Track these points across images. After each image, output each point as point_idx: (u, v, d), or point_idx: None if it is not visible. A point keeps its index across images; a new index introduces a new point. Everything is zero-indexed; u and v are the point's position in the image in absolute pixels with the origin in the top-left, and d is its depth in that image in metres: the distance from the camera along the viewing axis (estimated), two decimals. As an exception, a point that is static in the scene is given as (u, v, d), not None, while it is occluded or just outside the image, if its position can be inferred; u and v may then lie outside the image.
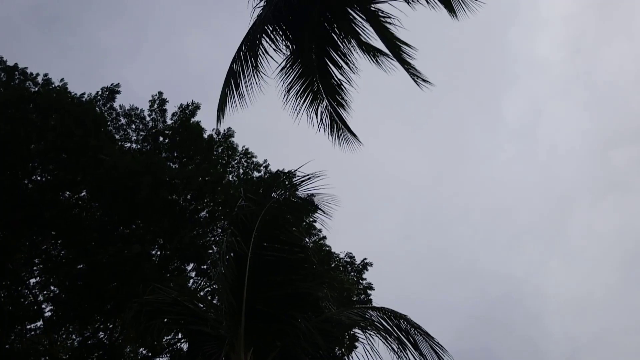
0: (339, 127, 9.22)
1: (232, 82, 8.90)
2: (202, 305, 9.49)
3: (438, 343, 7.75)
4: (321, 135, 9.17)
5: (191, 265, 16.79)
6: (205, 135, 18.06)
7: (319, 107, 9.10)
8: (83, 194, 16.34)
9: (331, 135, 9.22)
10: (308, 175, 8.32)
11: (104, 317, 15.60)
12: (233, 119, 8.77)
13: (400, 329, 8.00)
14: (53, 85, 16.41)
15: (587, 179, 46.57)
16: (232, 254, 8.13)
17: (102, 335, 16.25)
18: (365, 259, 17.99)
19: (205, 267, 16.11)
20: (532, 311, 38.32)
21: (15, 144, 14.37)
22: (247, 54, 8.70)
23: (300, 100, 9.02)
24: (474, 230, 42.78)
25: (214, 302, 12.59)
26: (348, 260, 17.87)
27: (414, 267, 38.69)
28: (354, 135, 9.26)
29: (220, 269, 8.44)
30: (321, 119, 9.16)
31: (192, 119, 17.93)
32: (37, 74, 16.56)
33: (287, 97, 8.99)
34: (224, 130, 18.86)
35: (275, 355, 7.86)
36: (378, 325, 8.14)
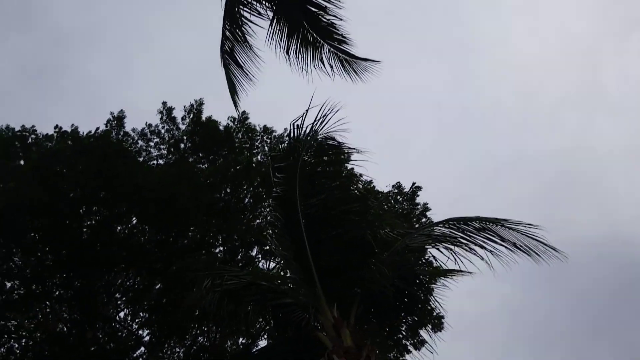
0: (349, 62, 8.99)
1: (231, 63, 8.86)
2: (278, 282, 9.76)
3: (527, 224, 7.63)
4: (337, 84, 8.94)
5: (255, 249, 17.26)
6: (222, 127, 18.21)
7: (323, 55, 8.89)
8: (134, 221, 16.91)
9: (347, 74, 8.99)
10: (327, 114, 8.21)
11: (196, 322, 16.34)
12: (245, 100, 8.77)
13: (474, 231, 7.98)
14: (65, 132, 16.75)
15: (605, 25, 43.98)
16: (282, 223, 8.26)
17: (201, 340, 17.12)
18: (414, 183, 17.93)
19: (267, 247, 16.48)
20: (593, 175, 37.65)
21: (59, 197, 14.88)
22: (233, 29, 8.58)
23: (302, 57, 8.85)
24: (510, 119, 41.58)
25: (286, 275, 12.88)
26: (396, 191, 17.86)
27: (464, 176, 38.13)
28: (368, 59, 8.99)
29: (275, 243, 8.60)
30: (330, 65, 8.95)
31: (202, 116, 18.08)
32: (47, 134, 16.95)
33: (289, 60, 8.85)
34: (239, 115, 18.93)
35: (358, 302, 8.06)
36: (449, 236, 8.18)
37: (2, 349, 15.76)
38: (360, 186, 9.25)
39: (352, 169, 10.04)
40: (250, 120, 18.70)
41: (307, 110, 8.22)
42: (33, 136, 16.82)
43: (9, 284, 15.89)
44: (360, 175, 9.89)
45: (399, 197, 17.95)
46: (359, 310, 7.95)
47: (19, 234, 15.02)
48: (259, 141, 18.56)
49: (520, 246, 7.61)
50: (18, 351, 16.03)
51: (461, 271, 8.27)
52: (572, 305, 31.79)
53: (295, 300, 8.06)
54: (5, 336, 15.81)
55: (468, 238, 7.96)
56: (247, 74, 8.84)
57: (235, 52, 8.77)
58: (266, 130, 18.58)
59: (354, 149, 8.60)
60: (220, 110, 21.90)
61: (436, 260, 8.93)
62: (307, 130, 8.34)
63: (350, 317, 7.73)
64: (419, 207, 17.91)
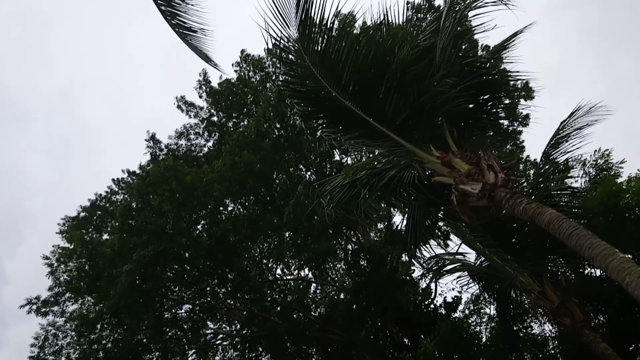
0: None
1: (186, 32, 8.59)
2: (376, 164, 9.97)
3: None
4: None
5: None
6: (235, 79, 18.36)
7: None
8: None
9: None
10: None
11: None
12: (221, 49, 8.51)
13: None
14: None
15: None
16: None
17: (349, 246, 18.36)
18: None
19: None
20: None
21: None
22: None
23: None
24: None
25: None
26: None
27: None
28: None
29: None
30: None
31: (209, 87, 18.30)
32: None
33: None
34: (236, 61, 18.82)
35: (449, 130, 8.02)
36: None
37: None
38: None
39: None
40: (251, 53, 18.62)
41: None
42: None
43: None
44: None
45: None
46: (454, 136, 7.98)
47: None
48: (269, 67, 18.40)
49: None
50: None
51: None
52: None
53: (396, 166, 8.30)
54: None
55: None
56: (203, 32, 8.44)
57: (180, 19, 8.40)
58: (270, 52, 18.28)
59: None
60: (224, 64, 21.89)
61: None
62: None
63: (451, 147, 7.82)
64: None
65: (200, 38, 7.89)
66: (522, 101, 14.15)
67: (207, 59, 7.65)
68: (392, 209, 16.44)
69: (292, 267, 18.69)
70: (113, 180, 18.30)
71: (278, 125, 15.59)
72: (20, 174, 49.30)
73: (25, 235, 48.41)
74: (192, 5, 7.26)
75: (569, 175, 10.37)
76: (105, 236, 17.90)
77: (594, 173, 11.64)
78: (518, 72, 8.67)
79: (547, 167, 9.00)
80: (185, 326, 16.99)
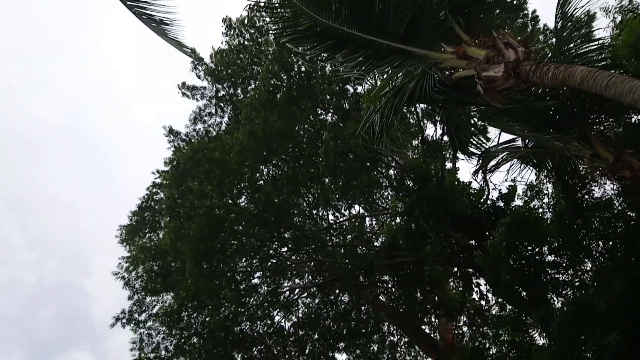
0: None
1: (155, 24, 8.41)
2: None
3: None
4: None
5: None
6: (226, 47, 18.15)
7: None
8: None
9: None
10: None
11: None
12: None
13: None
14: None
15: None
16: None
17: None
18: None
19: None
20: None
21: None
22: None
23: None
24: None
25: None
26: None
27: None
28: None
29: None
30: None
31: (204, 65, 18.20)
32: None
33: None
34: (222, 32, 18.56)
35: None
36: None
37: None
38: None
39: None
40: (232, 16, 18.23)
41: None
42: None
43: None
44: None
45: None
46: (462, 26, 7.65)
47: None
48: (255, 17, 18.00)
49: None
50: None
51: None
52: None
53: (413, 77, 8.11)
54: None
55: None
56: (172, 22, 8.22)
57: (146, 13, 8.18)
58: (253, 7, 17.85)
59: None
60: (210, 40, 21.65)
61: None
62: None
63: (462, 37, 7.53)
64: None
65: (171, 29, 7.93)
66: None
67: (180, 46, 7.69)
68: (421, 123, 16.23)
69: (342, 209, 18.96)
70: (149, 186, 18.86)
71: (285, 77, 15.37)
72: (65, 202, 51.31)
73: (92, 253, 51.10)
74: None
75: (592, 29, 9.85)
76: (161, 234, 18.59)
77: (619, 19, 11.01)
78: None
79: (566, 25, 8.56)
80: (261, 290, 17.75)
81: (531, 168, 10.67)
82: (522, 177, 13.85)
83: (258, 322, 17.52)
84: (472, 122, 9.83)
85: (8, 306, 46.21)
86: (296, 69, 15.29)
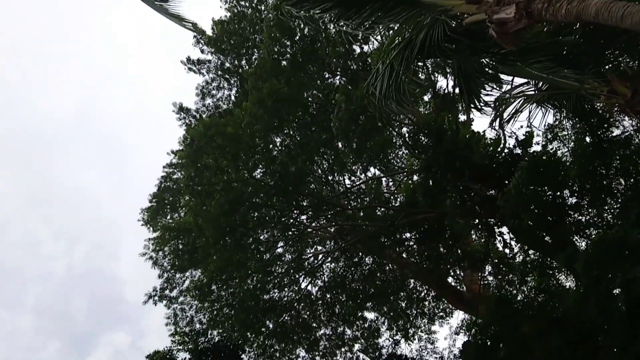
0: None
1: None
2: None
3: None
4: None
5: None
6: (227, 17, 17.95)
7: None
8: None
9: None
10: None
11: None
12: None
13: None
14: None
15: None
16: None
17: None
18: None
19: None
20: None
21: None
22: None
23: None
24: None
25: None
26: None
27: None
28: None
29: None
30: None
31: (206, 37, 17.99)
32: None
33: None
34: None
35: None
36: None
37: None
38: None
39: None
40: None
41: None
42: None
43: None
44: None
45: None
46: None
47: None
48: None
49: None
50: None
51: None
52: None
53: (423, 27, 7.95)
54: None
55: None
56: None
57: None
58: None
59: None
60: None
61: None
62: None
63: None
64: None
65: (171, 5, 7.92)
66: None
67: (181, 21, 7.64)
68: (432, 77, 15.99)
69: (358, 172, 18.98)
70: (165, 165, 19.02)
71: (288, 43, 15.17)
72: (85, 191, 52.14)
73: (118, 239, 52.22)
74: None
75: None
76: (182, 213, 18.87)
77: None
78: None
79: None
80: (285, 259, 18.07)
81: (549, 110, 10.50)
82: (538, 123, 13.64)
83: (285, 290, 17.88)
84: (485, 70, 9.65)
85: (41, 298, 47.68)
86: (299, 34, 15.07)
